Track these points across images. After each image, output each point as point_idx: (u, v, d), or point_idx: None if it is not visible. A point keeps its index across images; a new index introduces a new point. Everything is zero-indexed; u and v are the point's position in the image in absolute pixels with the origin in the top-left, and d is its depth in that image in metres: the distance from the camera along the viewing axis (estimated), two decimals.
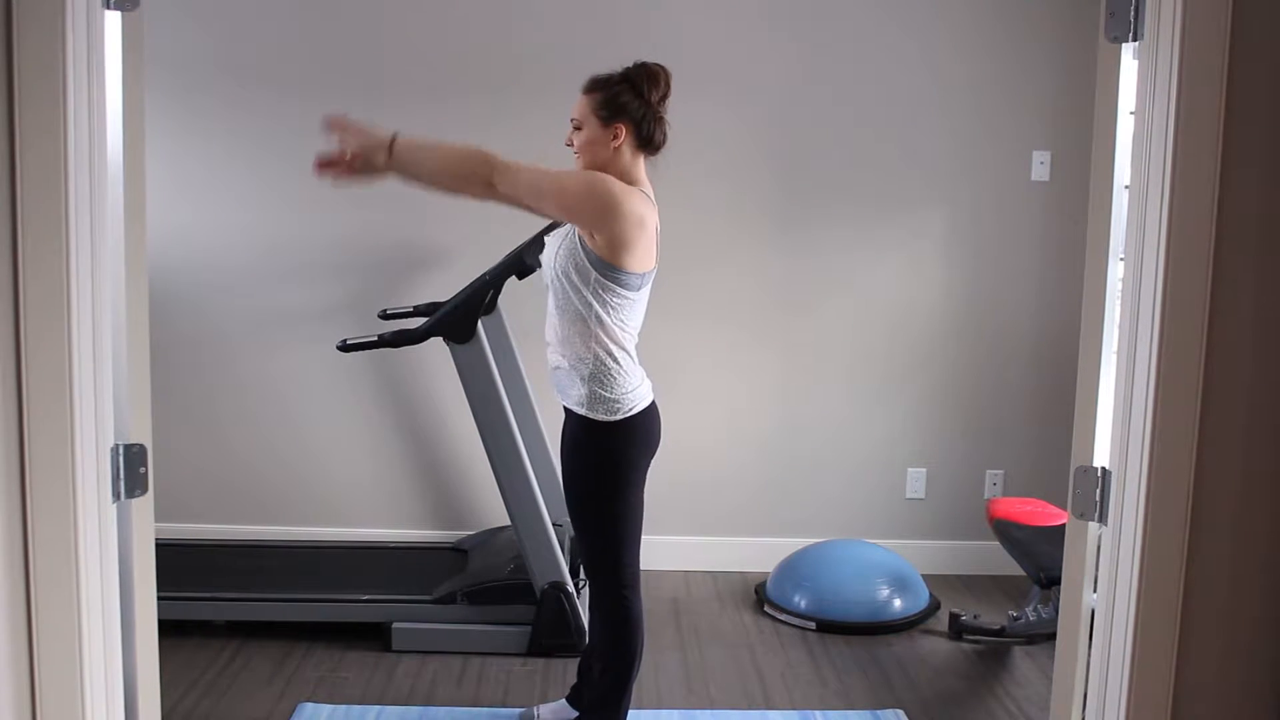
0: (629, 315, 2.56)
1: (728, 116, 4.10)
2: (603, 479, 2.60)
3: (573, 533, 3.04)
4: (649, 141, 2.57)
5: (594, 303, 2.50)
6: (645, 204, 2.51)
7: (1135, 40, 1.71)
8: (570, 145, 2.60)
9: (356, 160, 2.34)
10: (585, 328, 2.52)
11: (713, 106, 4.05)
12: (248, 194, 4.11)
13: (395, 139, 2.36)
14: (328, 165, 2.33)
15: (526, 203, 2.47)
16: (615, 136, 2.53)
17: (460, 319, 3.27)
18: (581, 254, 2.49)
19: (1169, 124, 1.62)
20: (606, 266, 2.48)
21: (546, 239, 2.70)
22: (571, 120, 2.58)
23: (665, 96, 2.57)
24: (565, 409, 2.64)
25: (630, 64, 2.56)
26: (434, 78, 4.04)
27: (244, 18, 4.02)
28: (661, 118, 2.57)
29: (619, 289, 2.50)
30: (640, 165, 2.59)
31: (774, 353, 4.24)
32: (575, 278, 2.51)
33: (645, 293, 2.59)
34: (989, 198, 4.19)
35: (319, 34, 4.03)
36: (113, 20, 1.67)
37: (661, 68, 2.57)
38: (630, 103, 2.53)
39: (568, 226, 2.59)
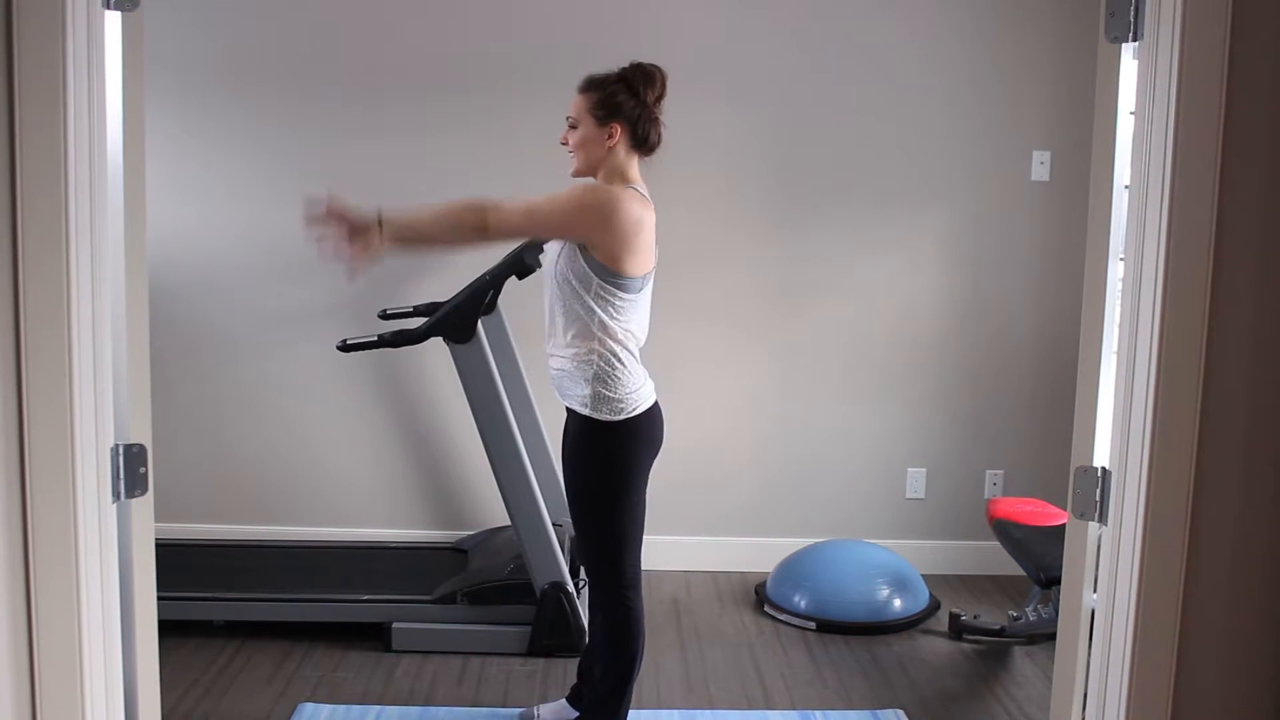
0: (631, 316, 2.56)
1: (727, 116, 4.10)
2: (605, 479, 2.59)
3: (573, 533, 3.04)
4: (644, 142, 2.57)
5: (596, 308, 2.51)
6: (641, 205, 2.52)
7: (1135, 40, 1.71)
8: (565, 144, 2.60)
9: (355, 244, 2.35)
10: (589, 331, 2.52)
11: (711, 106, 4.06)
12: (248, 194, 4.10)
13: (380, 215, 2.37)
14: (329, 245, 2.36)
15: (527, 233, 2.51)
16: (610, 136, 2.54)
17: (460, 319, 3.27)
18: (581, 262, 2.49)
19: (1169, 124, 1.62)
20: (607, 273, 2.48)
21: (548, 246, 2.70)
22: (567, 119, 2.59)
23: (661, 97, 2.58)
24: (567, 409, 2.64)
25: (627, 64, 2.57)
26: (433, 76, 4.04)
27: (244, 18, 4.02)
28: (657, 119, 2.57)
29: (620, 293, 2.51)
30: (634, 165, 2.59)
31: (774, 353, 4.24)
32: (576, 284, 2.51)
33: (647, 292, 2.60)
34: (989, 198, 4.19)
35: (318, 34, 4.03)
36: (113, 20, 1.67)
37: (658, 68, 2.57)
38: (626, 103, 2.53)
39: None
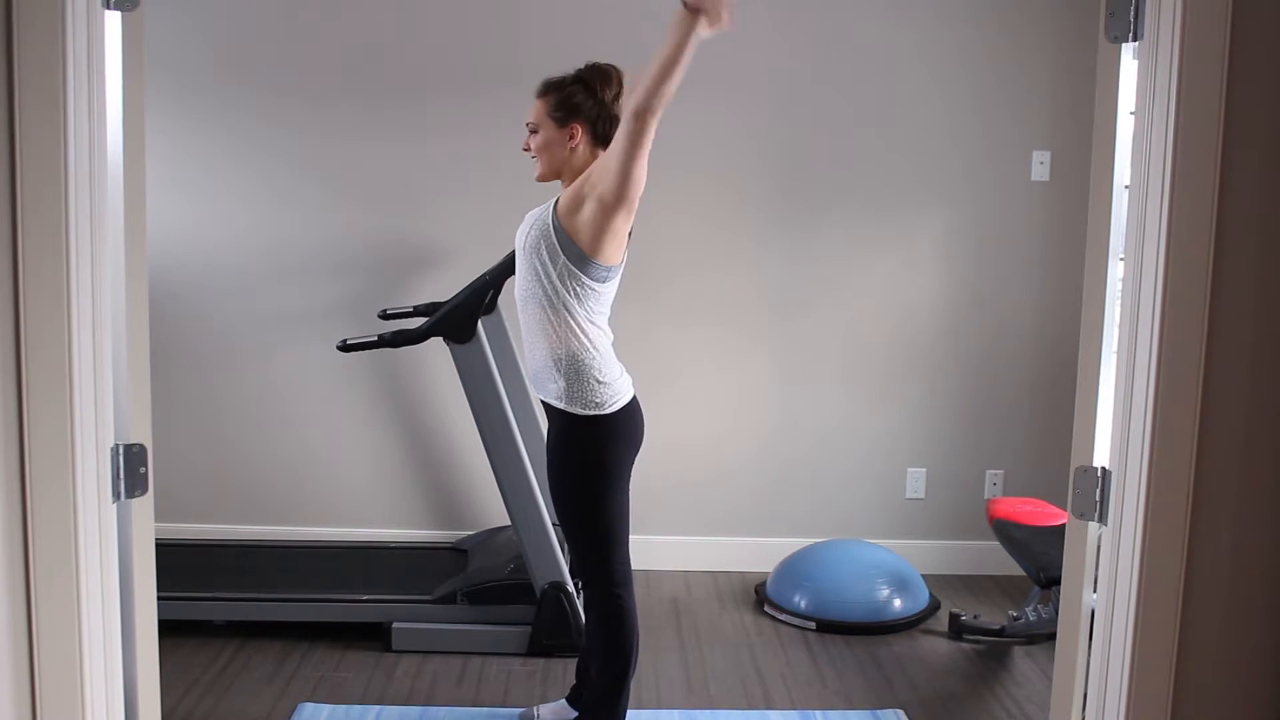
0: (596, 306, 2.56)
1: (725, 117, 4.09)
2: (590, 478, 2.59)
3: None
4: (605, 141, 2.57)
5: (561, 289, 2.50)
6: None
7: (1135, 40, 1.71)
8: (527, 150, 2.61)
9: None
10: (556, 316, 2.52)
11: (709, 107, 4.05)
12: (248, 194, 4.11)
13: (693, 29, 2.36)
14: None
15: (626, 138, 2.36)
16: (572, 137, 2.55)
17: (460, 319, 3.27)
18: (553, 236, 2.50)
19: (1169, 124, 1.62)
20: (577, 255, 2.48)
21: (527, 216, 2.69)
22: (527, 125, 2.61)
23: (619, 95, 2.59)
24: (546, 407, 2.63)
25: (582, 65, 2.59)
26: (434, 78, 4.04)
27: (243, 18, 4.02)
28: (616, 116, 2.57)
29: (585, 278, 2.51)
30: None
31: (774, 353, 4.24)
32: (545, 255, 2.51)
33: (612, 287, 2.59)
34: (989, 198, 4.19)
35: (318, 34, 4.03)
36: (113, 20, 1.68)
37: (614, 67, 2.59)
38: (584, 103, 2.55)
39: (542, 208, 2.60)
